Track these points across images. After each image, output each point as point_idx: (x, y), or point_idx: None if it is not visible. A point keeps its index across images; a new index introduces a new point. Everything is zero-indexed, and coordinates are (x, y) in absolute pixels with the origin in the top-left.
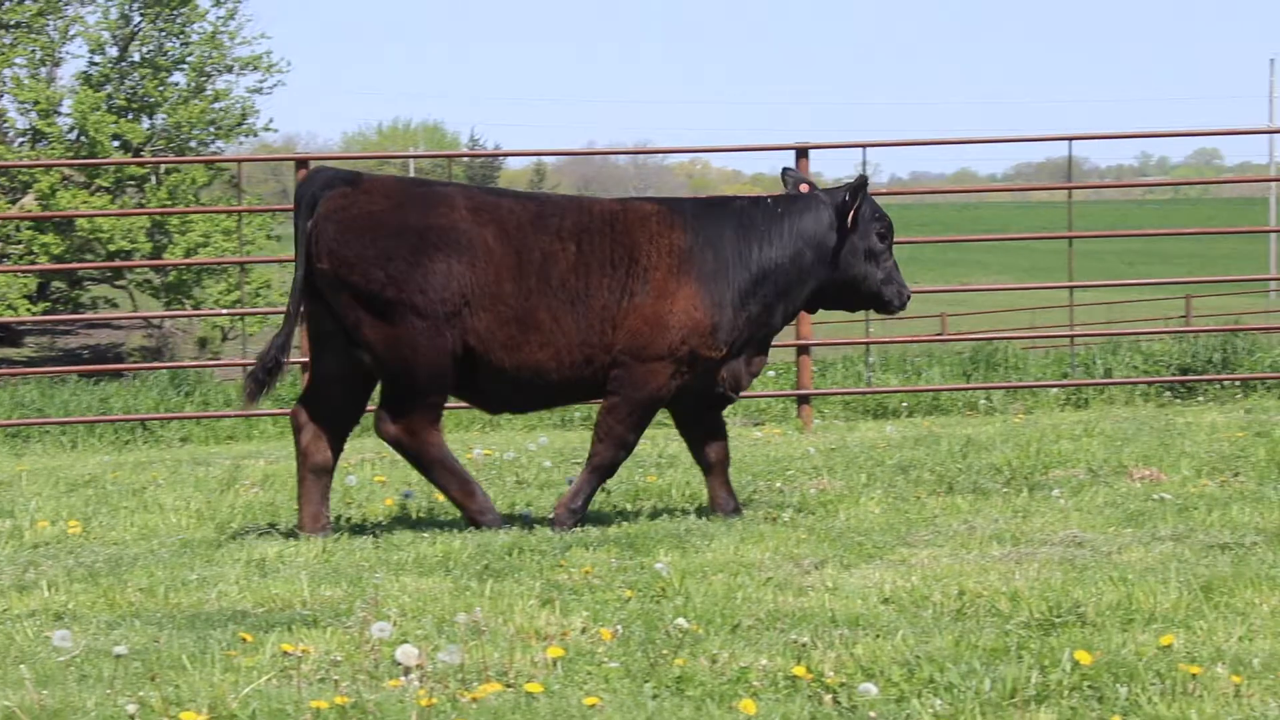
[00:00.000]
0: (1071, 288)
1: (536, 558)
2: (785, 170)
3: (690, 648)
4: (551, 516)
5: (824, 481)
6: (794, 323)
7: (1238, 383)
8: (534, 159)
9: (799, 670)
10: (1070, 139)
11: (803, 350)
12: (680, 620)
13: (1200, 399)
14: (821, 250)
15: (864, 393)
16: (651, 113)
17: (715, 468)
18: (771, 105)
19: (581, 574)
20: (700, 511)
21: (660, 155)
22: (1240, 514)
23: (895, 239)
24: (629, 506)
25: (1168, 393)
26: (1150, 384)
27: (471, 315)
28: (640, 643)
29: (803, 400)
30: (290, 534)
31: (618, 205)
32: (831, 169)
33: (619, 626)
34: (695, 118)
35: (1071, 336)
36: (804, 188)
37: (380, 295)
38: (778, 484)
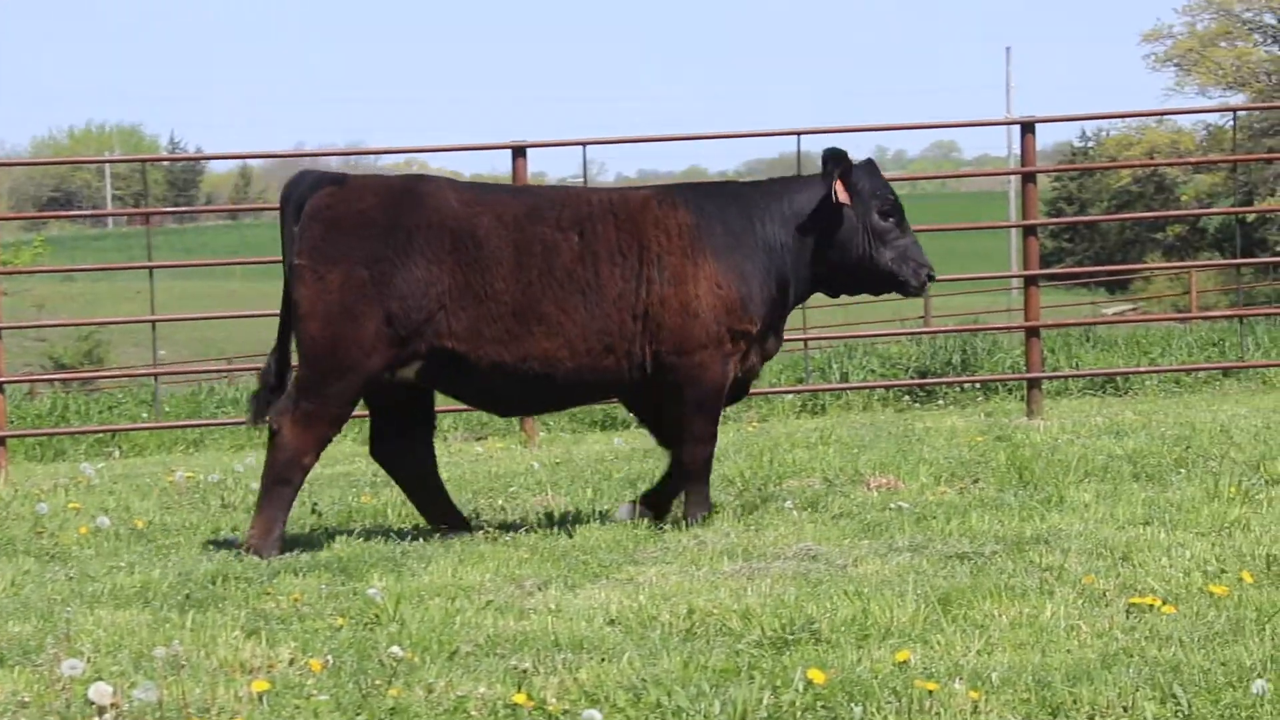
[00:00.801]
0: None
1: (242, 586)
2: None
3: (405, 677)
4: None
5: (548, 497)
6: None
7: (978, 385)
8: (239, 162)
9: (519, 698)
10: (799, 133)
11: None
12: (395, 648)
13: (940, 402)
14: (821, 229)
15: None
16: (365, 112)
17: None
18: (490, 103)
19: (290, 602)
20: (418, 533)
21: (373, 156)
22: (980, 522)
23: None
24: (341, 528)
25: (906, 396)
26: (888, 388)
27: (450, 317)
28: (352, 673)
29: None
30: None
31: (615, 194)
32: (555, 168)
33: (329, 657)
34: (411, 117)
35: (805, 340)
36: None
37: (361, 292)
38: (500, 501)
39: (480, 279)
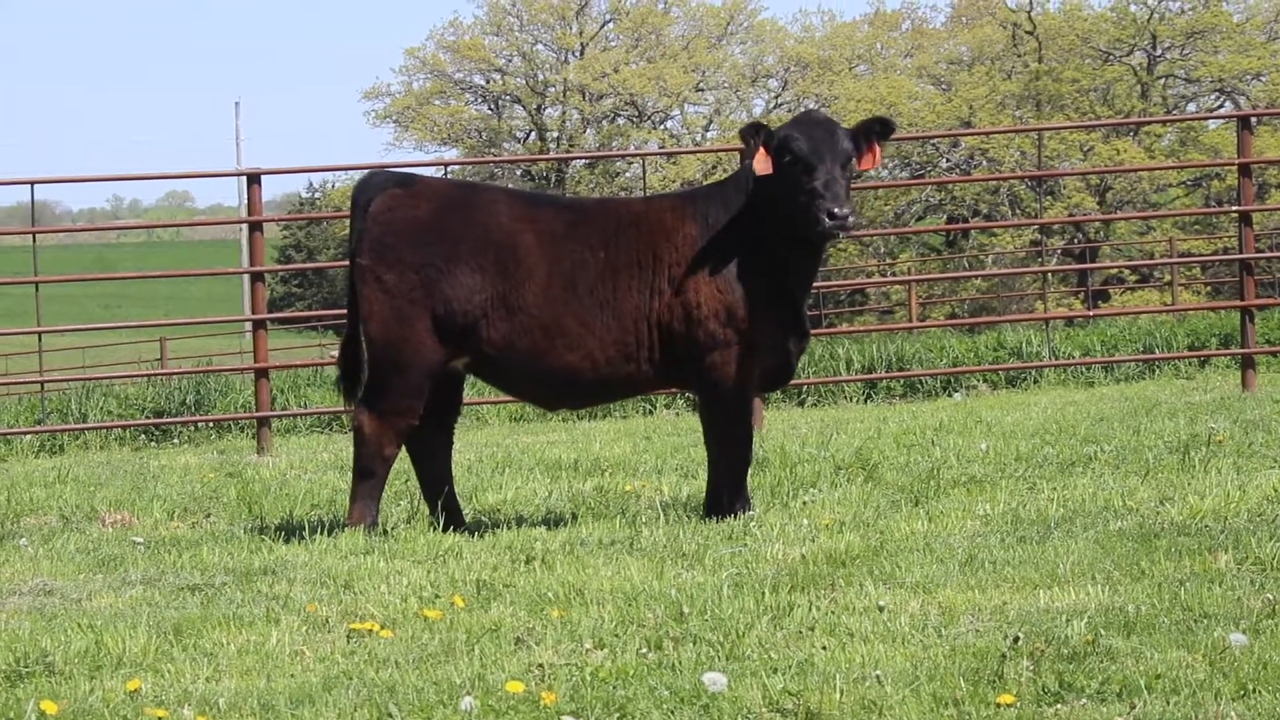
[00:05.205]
0: (40, 333)
1: None
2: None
3: None
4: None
5: None
6: None
7: (211, 424)
8: None
9: None
10: (33, 182)
11: None
12: None
13: (175, 441)
14: (763, 199)
15: None
16: None
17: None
18: None
19: None
20: None
21: None
22: (211, 555)
23: None
24: None
25: (143, 435)
26: (125, 428)
27: (489, 326)
28: None
29: None
30: None
31: (642, 205)
32: None
33: None
34: None
35: (43, 382)
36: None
37: (409, 296)
38: None
39: (515, 293)
